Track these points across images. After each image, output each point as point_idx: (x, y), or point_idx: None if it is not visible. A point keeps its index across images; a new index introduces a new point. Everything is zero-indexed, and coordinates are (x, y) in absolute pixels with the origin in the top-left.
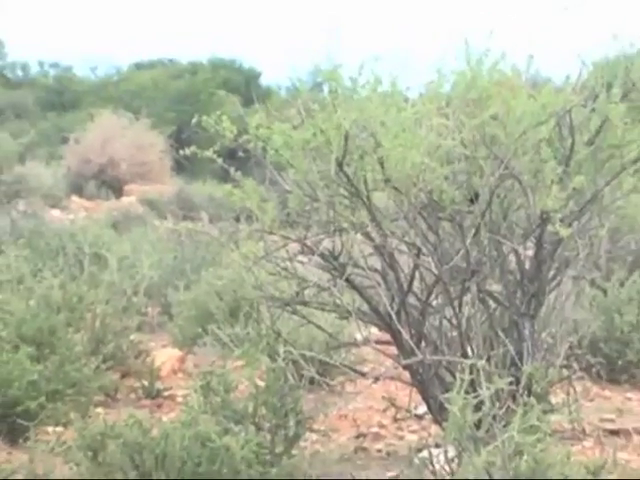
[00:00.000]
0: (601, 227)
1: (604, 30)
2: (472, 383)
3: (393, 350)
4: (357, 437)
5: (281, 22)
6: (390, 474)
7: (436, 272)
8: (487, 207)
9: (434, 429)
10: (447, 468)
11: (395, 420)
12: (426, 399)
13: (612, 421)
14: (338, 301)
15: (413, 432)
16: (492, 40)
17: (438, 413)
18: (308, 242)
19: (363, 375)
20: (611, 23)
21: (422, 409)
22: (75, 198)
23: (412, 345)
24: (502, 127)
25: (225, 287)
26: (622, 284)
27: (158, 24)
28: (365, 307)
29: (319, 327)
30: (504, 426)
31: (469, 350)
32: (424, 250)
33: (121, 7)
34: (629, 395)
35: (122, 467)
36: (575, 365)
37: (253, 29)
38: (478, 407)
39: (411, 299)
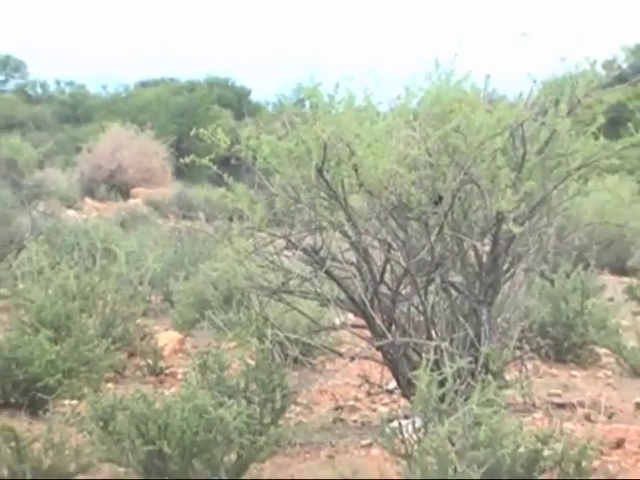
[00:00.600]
0: (549, 226)
1: (553, 53)
2: (436, 362)
3: (367, 333)
4: (335, 409)
5: (268, 44)
6: (364, 442)
7: (405, 265)
8: (449, 208)
9: (403, 402)
10: (414, 437)
11: (369, 394)
12: (396, 376)
13: (559, 395)
14: (319, 290)
15: (385, 405)
16: (456, 62)
17: (406, 388)
18: (292, 239)
19: (341, 355)
20: (559, 47)
21: (392, 385)
22: (88, 200)
23: (384, 329)
24: (462, 138)
25: (219, 278)
26: (567, 276)
27: (160, 46)
28: (342, 296)
29: (302, 313)
30: (464, 400)
31: (433, 333)
32: (394, 246)
33: (128, 31)
34: (574, 373)
35: (129, 435)
36: (526, 346)
37: (244, 51)
38: (442, 383)
39: (383, 289)
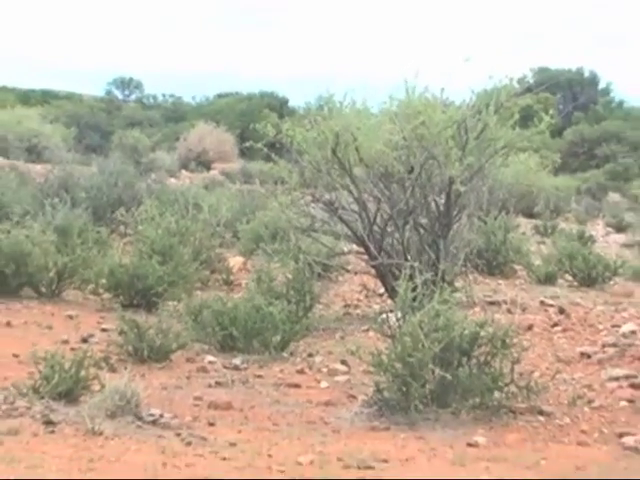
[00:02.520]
0: (483, 186)
1: (485, 71)
2: (410, 276)
3: (365, 257)
4: (344, 307)
5: (299, 66)
6: (364, 328)
7: (389, 212)
8: (418, 175)
9: (389, 302)
10: (396, 324)
11: (367, 297)
12: (384, 285)
13: (490, 296)
14: (334, 229)
15: (377, 304)
16: (419, 79)
17: (391, 293)
18: (316, 195)
19: (348, 271)
20: (489, 67)
21: (382, 290)
22: (183, 172)
23: (376, 254)
24: (426, 129)
25: (269, 221)
26: (495, 218)
27: (230, 69)
28: (349, 233)
29: (323, 244)
30: (429, 300)
31: (409, 257)
32: (382, 200)
33: (209, 57)
34: (499, 282)
35: (210, 324)
36: (469, 264)
37: (284, 72)
38: (414, 289)
39: (375, 228)
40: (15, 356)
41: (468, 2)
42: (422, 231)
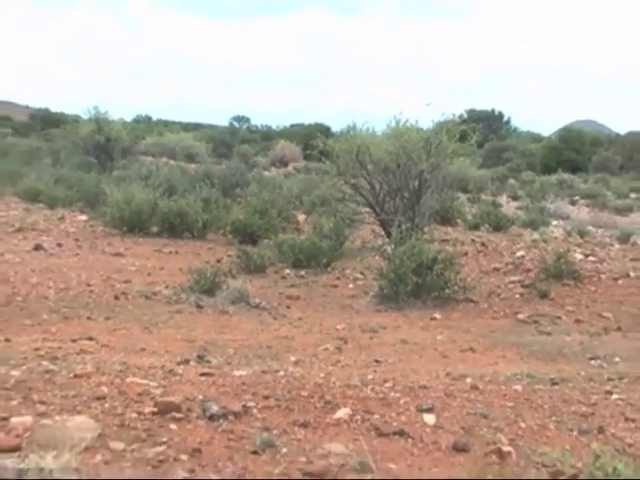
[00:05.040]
0: (440, 175)
1: (438, 110)
2: (399, 225)
3: (373, 215)
4: (362, 243)
5: (333, 106)
6: (373, 254)
7: (387, 190)
8: (403, 169)
9: (387, 240)
10: (391, 252)
11: (375, 237)
12: (385, 230)
13: (443, 237)
14: (356, 199)
15: (380, 241)
16: (403, 115)
17: (388, 235)
18: (346, 180)
19: (364, 222)
20: (441, 108)
21: (383, 234)
22: (273, 168)
23: (379, 213)
24: (407, 143)
25: (320, 195)
26: (446, 193)
27: (297, 110)
28: (364, 201)
29: (350, 207)
30: (409, 239)
31: (398, 215)
32: (383, 183)
33: (287, 103)
34: (448, 228)
35: (287, 251)
36: (432, 219)
37: (329, 110)
38: (401, 233)
39: (379, 198)
40: (180, 269)
41: (429, 63)
42: (405, 200)
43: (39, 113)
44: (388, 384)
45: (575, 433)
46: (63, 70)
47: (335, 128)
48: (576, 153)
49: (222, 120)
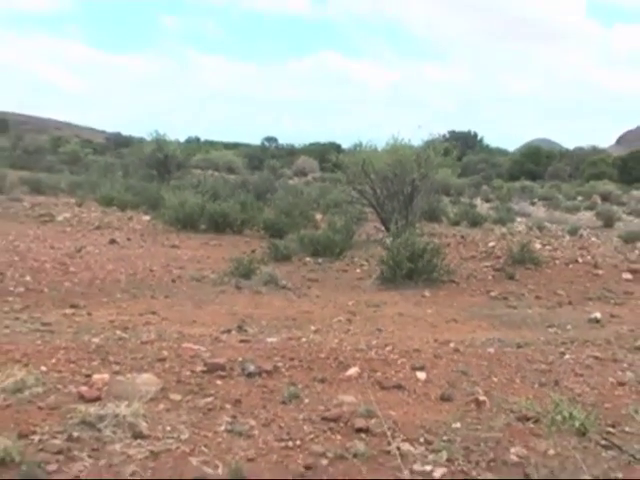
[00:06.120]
0: (428, 182)
1: (428, 131)
2: (396, 222)
3: (375, 214)
4: (367, 236)
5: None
6: (375, 245)
7: (386, 194)
8: (399, 178)
9: (387, 234)
10: (390, 243)
11: (377, 232)
12: (385, 226)
13: (431, 232)
14: (362, 202)
15: (381, 235)
16: (400, 133)
17: (387, 231)
18: (354, 186)
19: (367, 220)
20: (429, 129)
21: (383, 229)
22: (295, 177)
23: (380, 212)
24: (402, 157)
25: (333, 198)
26: (433, 196)
27: (313, 131)
28: (368, 203)
29: (356, 208)
30: (404, 233)
31: (395, 214)
32: (383, 189)
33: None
34: (435, 225)
35: (308, 244)
36: (422, 218)
37: (340, 130)
38: (397, 228)
39: (380, 201)
40: (223, 258)
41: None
42: (401, 202)
43: (113, 136)
44: (388, 348)
45: (536, 385)
46: (132, 102)
47: (345, 145)
48: (535, 165)
49: (255, 140)
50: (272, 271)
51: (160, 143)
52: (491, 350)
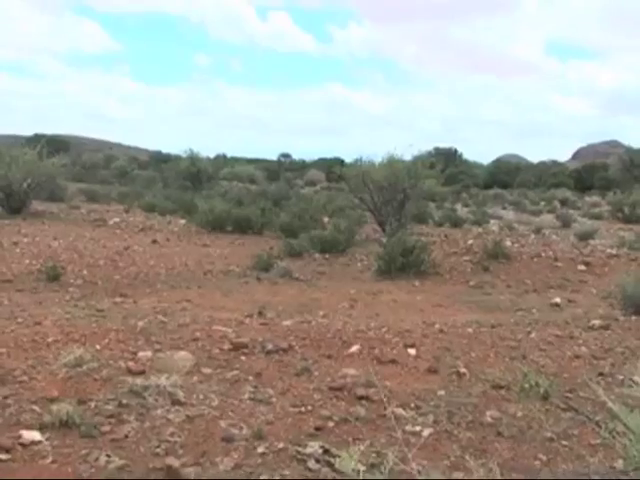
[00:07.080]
0: (418, 190)
1: (417, 148)
2: (390, 224)
3: (373, 218)
4: (365, 236)
5: (350, 145)
6: (373, 244)
7: (383, 200)
8: (393, 187)
9: (383, 234)
10: (385, 241)
11: (375, 232)
12: (381, 227)
13: (419, 231)
14: (362, 207)
15: (381, 234)
16: (395, 152)
17: (383, 231)
18: (356, 194)
19: (366, 222)
20: (418, 146)
21: (380, 230)
22: (306, 187)
23: (377, 216)
24: (396, 170)
25: (338, 204)
26: (422, 202)
27: (321, 146)
28: (367, 208)
29: (357, 213)
30: (397, 233)
31: (390, 217)
32: (380, 196)
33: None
34: (423, 226)
35: (316, 242)
36: (412, 221)
37: (344, 147)
38: (392, 229)
39: (377, 206)
40: (246, 255)
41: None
42: (394, 208)
43: (154, 154)
44: (384, 329)
45: (507, 359)
46: (170, 125)
47: (347, 160)
48: (505, 176)
49: (273, 156)
50: (287, 265)
51: (193, 159)
52: (470, 330)
